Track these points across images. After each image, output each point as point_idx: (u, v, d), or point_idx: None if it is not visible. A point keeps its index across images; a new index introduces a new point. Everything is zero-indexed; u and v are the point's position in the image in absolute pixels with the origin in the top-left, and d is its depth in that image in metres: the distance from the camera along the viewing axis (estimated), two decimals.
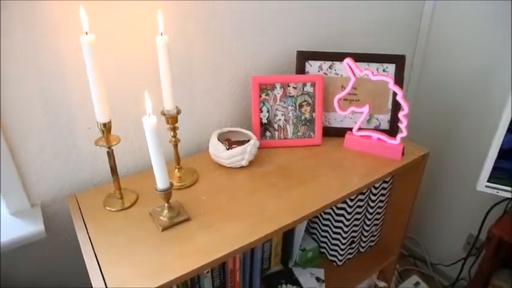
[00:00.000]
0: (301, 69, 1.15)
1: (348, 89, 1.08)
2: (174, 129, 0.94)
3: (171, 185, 0.83)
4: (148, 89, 0.92)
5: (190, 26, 1.00)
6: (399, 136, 1.07)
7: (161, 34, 0.84)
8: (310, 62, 1.15)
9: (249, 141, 1.04)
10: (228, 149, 1.03)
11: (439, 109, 1.60)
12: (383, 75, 1.06)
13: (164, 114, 0.91)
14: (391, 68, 1.14)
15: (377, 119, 1.18)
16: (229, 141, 1.08)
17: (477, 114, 1.48)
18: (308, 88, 1.12)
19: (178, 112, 0.92)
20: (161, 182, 0.81)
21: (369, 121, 1.18)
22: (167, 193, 0.83)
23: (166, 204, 0.86)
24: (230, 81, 1.14)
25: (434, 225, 1.80)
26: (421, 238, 1.89)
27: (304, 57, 1.14)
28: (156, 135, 0.75)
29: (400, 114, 1.04)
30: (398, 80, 1.12)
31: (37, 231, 0.88)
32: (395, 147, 1.08)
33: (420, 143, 1.16)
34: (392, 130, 1.17)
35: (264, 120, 1.13)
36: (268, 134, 1.14)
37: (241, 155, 1.02)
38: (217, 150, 1.03)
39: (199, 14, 1.00)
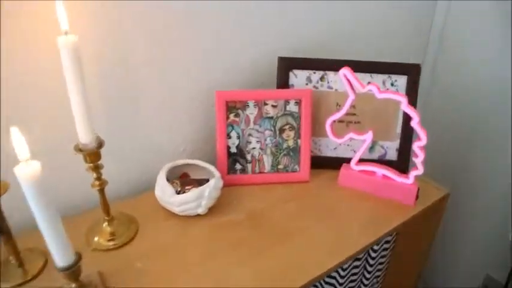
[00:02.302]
0: (283, 82, 0.87)
1: (345, 108, 0.81)
2: (96, 168, 0.65)
3: (78, 258, 0.55)
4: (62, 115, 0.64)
5: (125, 19, 0.71)
6: (413, 174, 0.79)
7: (65, 33, 0.56)
8: (296, 72, 0.87)
9: (208, 180, 0.76)
10: (179, 192, 0.75)
11: (451, 131, 1.33)
12: (393, 92, 0.78)
13: (80, 150, 0.63)
14: (402, 81, 0.87)
15: (382, 147, 0.90)
16: (185, 179, 0.80)
17: (497, 137, 1.21)
18: (292, 107, 0.84)
19: (101, 145, 0.64)
20: (60, 258, 0.53)
21: (371, 149, 0.90)
22: (72, 272, 0.55)
23: (73, 286, 0.58)
24: (189, 98, 0.86)
25: (447, 265, 1.52)
26: (431, 280, 1.61)
27: (287, 66, 0.87)
28: (40, 192, 0.47)
29: (416, 145, 0.76)
30: (412, 97, 0.85)
31: None
32: (407, 188, 0.80)
33: (432, 176, 0.88)
34: (402, 162, 0.89)
35: (233, 149, 0.85)
36: (238, 167, 0.86)
37: (196, 200, 0.73)
38: (165, 194, 0.74)
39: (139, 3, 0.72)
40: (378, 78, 0.87)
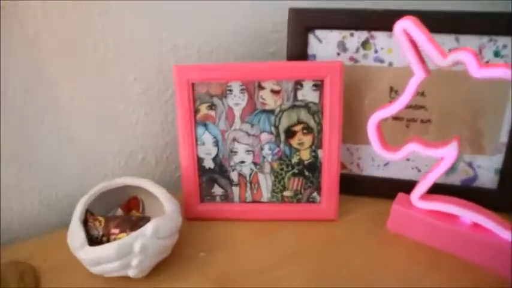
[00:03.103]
0: (298, 51, 0.51)
1: (407, 97, 0.43)
2: None
3: None
4: None
5: None
6: None
7: None
8: (320, 33, 0.51)
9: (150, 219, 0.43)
10: (100, 240, 0.43)
11: None
12: (502, 66, 0.38)
13: None
14: None
15: (470, 165, 0.52)
16: (116, 216, 0.48)
17: None
18: (307, 93, 0.48)
19: None
20: None
21: (451, 168, 0.52)
22: None
23: None
24: (137, 80, 0.53)
25: None
26: None
27: (304, 23, 0.50)
28: None
29: None
30: None
31: None
32: None
33: None
34: (505, 194, 0.50)
35: (208, 163, 0.51)
36: (217, 191, 0.52)
37: (119, 259, 0.41)
38: (74, 241, 0.43)
39: None
40: (470, 41, 0.48)
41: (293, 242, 0.49)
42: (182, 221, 0.47)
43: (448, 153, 0.43)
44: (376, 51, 0.50)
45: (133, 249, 0.41)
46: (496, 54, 0.48)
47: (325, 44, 0.51)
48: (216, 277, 0.44)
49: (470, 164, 0.52)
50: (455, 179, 0.53)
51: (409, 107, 0.50)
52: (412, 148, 0.45)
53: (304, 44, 0.51)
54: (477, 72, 0.37)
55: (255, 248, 0.48)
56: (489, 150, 0.51)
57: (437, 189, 0.47)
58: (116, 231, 0.44)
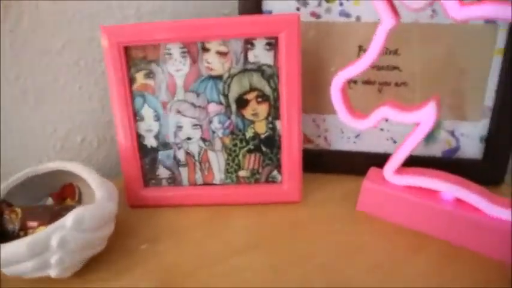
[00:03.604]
0: (252, 5, 0.44)
1: (374, 52, 0.36)
2: None
3: None
4: None
5: None
6: None
7: None
8: None
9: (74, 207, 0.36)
10: (17, 235, 0.36)
11: None
12: (490, 3, 0.31)
13: None
14: None
15: (452, 134, 0.45)
16: (38, 206, 0.41)
17: None
18: (260, 54, 0.41)
19: None
20: None
21: (430, 137, 0.46)
22: None
23: None
24: (65, 48, 0.45)
25: None
26: None
27: None
28: None
29: None
30: None
31: None
32: (505, 229, 0.35)
33: None
34: (493, 165, 0.44)
35: (150, 141, 0.44)
36: (163, 173, 0.45)
37: (34, 257, 0.34)
38: None
39: None
40: None
41: (251, 229, 0.42)
42: (120, 209, 0.40)
43: (425, 116, 0.36)
44: (341, 4, 0.43)
45: (50, 245, 0.34)
46: None
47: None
48: (161, 272, 0.37)
49: (452, 133, 0.45)
50: (436, 150, 0.46)
51: (381, 68, 0.43)
52: (384, 113, 0.38)
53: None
54: (458, 12, 0.30)
55: (207, 237, 0.41)
56: (473, 116, 0.44)
57: (416, 162, 0.41)
58: (34, 224, 0.37)
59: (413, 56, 0.43)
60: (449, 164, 0.45)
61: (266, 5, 0.44)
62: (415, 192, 0.40)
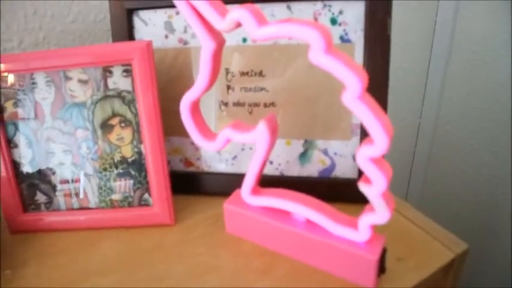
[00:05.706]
0: (123, 34, 0.46)
1: (204, 74, 0.37)
2: None
3: None
4: None
5: None
6: (366, 221, 0.33)
7: None
8: (144, 14, 0.45)
9: None
10: None
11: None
12: (283, 21, 0.32)
13: None
14: (353, 12, 0.40)
15: (325, 153, 0.45)
16: None
17: None
18: (118, 80, 0.42)
19: None
20: None
21: (303, 157, 0.46)
22: None
23: None
24: None
25: None
26: None
27: (125, 5, 0.45)
28: None
29: (362, 156, 0.31)
30: (375, 48, 0.38)
31: None
32: (359, 254, 0.34)
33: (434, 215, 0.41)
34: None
35: (26, 168, 0.45)
36: (41, 199, 0.46)
37: None
38: None
39: None
40: (304, 9, 0.41)
41: (119, 252, 0.43)
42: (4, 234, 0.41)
43: (259, 135, 0.36)
44: None
45: None
46: (333, 21, 0.41)
47: (151, 26, 0.46)
48: None
49: (325, 152, 0.45)
50: (312, 171, 0.46)
51: (248, 89, 0.44)
52: (227, 135, 0.38)
53: (129, 27, 0.46)
54: (256, 31, 0.31)
55: (73, 261, 0.42)
56: (343, 134, 0.44)
57: (293, 183, 0.41)
58: None
59: (278, 77, 0.44)
60: (327, 184, 0.45)
61: (137, 33, 0.46)
62: (270, 213, 0.39)
